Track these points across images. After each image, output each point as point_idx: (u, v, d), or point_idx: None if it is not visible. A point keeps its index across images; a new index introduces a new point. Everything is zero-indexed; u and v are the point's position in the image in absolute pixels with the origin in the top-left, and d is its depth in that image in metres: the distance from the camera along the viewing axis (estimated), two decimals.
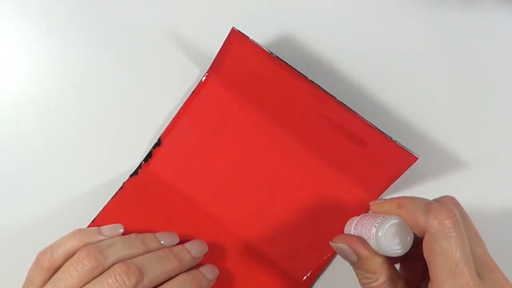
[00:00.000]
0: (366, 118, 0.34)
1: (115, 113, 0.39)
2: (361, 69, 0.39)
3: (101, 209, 0.37)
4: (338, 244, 0.31)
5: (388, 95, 0.39)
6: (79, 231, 0.34)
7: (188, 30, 0.39)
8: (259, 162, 0.38)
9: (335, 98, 0.35)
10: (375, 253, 0.30)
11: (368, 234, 0.30)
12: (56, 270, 0.33)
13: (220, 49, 0.36)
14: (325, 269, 0.38)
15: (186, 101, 0.38)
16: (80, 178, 0.39)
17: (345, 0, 0.40)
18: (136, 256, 0.33)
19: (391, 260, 0.30)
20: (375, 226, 0.30)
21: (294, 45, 0.39)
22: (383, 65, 0.40)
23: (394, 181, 0.36)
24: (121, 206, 0.37)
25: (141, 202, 0.37)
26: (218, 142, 0.38)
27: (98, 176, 0.38)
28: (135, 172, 0.38)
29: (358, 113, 0.34)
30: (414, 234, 0.29)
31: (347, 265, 0.32)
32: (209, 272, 0.35)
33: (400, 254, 0.29)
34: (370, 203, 0.33)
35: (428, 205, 0.28)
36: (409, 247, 0.29)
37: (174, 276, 0.34)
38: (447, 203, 0.29)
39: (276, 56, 0.34)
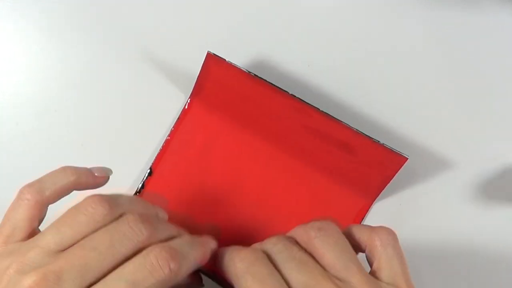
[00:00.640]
0: (359, 121, 0.34)
1: (115, 113, 0.39)
2: (360, 69, 0.39)
3: None
4: None
5: (388, 95, 0.39)
6: (69, 167, 0.30)
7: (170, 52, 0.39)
8: (251, 180, 0.38)
9: (318, 109, 0.35)
10: None
11: None
12: (44, 207, 0.29)
13: (199, 73, 0.36)
14: None
15: (173, 128, 0.38)
16: None
17: (345, 0, 0.40)
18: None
19: None
20: None
21: (294, 45, 0.39)
22: (383, 65, 0.40)
23: (387, 183, 0.36)
24: None
25: None
26: (208, 164, 0.38)
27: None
28: None
29: (356, 111, 0.35)
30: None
31: None
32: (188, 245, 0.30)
33: None
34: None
35: (230, 254, 0.28)
36: None
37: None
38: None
39: (254, 75, 0.35)
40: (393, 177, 0.36)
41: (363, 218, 0.37)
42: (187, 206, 0.38)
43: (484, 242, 0.39)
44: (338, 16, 0.40)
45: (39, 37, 0.39)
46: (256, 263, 0.27)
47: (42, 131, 0.39)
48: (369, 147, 0.35)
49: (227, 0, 0.40)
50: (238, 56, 0.37)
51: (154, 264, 0.26)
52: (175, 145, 0.38)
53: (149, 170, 0.38)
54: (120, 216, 0.27)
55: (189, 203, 0.38)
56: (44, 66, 0.39)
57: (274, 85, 0.35)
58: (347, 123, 0.35)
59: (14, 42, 0.39)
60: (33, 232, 0.28)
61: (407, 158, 0.35)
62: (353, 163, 0.36)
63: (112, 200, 0.27)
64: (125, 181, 0.38)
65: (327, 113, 0.35)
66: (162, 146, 0.38)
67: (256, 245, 0.30)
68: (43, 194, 0.29)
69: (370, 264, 0.30)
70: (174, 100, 0.39)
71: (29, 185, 0.29)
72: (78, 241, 0.26)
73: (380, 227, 0.29)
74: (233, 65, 0.35)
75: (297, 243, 0.29)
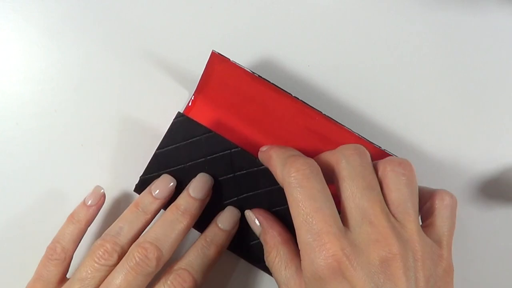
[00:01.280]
0: (359, 124, 0.34)
1: (115, 113, 0.39)
2: (360, 69, 0.39)
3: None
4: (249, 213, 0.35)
5: (388, 95, 0.39)
6: (70, 215, 0.35)
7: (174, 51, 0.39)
8: None
9: (321, 112, 0.35)
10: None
11: None
12: (69, 260, 0.34)
13: (204, 71, 0.36)
14: None
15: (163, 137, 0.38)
16: (80, 178, 0.39)
17: (344, 1, 0.40)
18: (145, 228, 0.34)
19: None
20: None
21: (293, 46, 0.39)
22: (383, 65, 0.40)
23: None
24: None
25: None
26: None
27: (98, 176, 0.38)
28: None
29: (357, 114, 0.35)
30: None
31: None
32: (224, 220, 0.35)
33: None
34: (260, 149, 0.35)
35: (286, 159, 0.30)
36: None
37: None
38: (330, 154, 0.30)
39: (258, 76, 0.35)
40: None
41: None
42: None
43: (484, 242, 0.39)
44: (338, 17, 0.40)
45: (39, 37, 0.39)
46: (311, 177, 0.28)
47: (42, 131, 0.39)
48: (371, 152, 0.35)
49: (228, 0, 0.40)
50: (240, 56, 0.37)
51: None
52: None
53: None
54: (128, 247, 0.33)
55: None
56: (44, 66, 0.39)
57: (278, 86, 0.35)
58: (349, 127, 0.34)
59: (14, 42, 0.39)
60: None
61: None
62: None
63: (114, 244, 0.33)
64: (125, 181, 0.38)
65: (330, 117, 0.35)
66: None
67: (328, 153, 0.31)
68: (67, 252, 0.34)
69: (423, 219, 0.31)
70: (177, 99, 0.39)
71: (52, 248, 0.34)
72: (98, 285, 0.32)
73: (446, 191, 0.31)
74: (237, 65, 0.35)
75: (370, 162, 0.30)
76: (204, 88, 0.37)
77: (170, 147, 0.36)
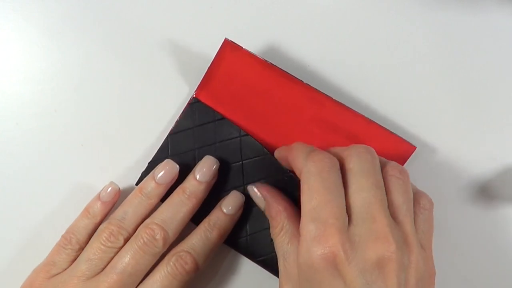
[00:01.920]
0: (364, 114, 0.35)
1: (115, 113, 0.39)
2: (360, 69, 0.39)
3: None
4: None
5: (388, 95, 0.39)
6: (85, 209, 0.36)
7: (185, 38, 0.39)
8: None
9: (332, 98, 0.35)
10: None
11: None
12: (81, 250, 0.35)
13: (212, 61, 0.36)
14: None
15: (176, 121, 0.38)
16: (80, 178, 0.39)
17: (344, 1, 0.40)
18: (150, 211, 0.35)
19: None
20: None
21: (292, 47, 0.39)
22: (382, 65, 0.40)
23: None
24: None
25: None
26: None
27: (98, 176, 0.38)
28: None
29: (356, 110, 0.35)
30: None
31: None
32: (228, 204, 0.36)
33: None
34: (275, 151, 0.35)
35: (310, 151, 0.30)
36: None
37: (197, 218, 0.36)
38: (345, 150, 0.31)
39: (271, 63, 0.35)
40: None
41: None
42: None
43: (484, 242, 0.39)
44: (338, 16, 0.40)
45: (39, 37, 0.39)
46: (331, 171, 0.29)
47: (42, 131, 0.39)
48: (380, 137, 0.35)
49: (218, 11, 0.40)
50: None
51: (175, 270, 0.33)
52: None
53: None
54: (134, 230, 0.35)
55: None
56: (44, 66, 0.39)
57: (290, 74, 0.35)
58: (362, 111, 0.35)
59: (14, 42, 0.39)
60: None
61: (415, 148, 0.36)
62: None
63: (121, 226, 0.34)
64: (125, 181, 0.38)
65: (341, 102, 0.35)
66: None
67: (339, 148, 0.31)
68: (81, 244, 0.35)
69: None
70: (177, 99, 0.39)
71: (67, 238, 0.36)
72: (106, 266, 0.34)
73: (424, 193, 0.32)
74: (250, 53, 0.35)
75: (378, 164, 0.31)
76: (208, 81, 0.37)
77: (182, 132, 0.37)
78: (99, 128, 0.39)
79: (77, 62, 0.39)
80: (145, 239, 0.33)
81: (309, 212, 0.28)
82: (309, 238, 0.28)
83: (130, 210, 0.35)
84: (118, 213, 0.35)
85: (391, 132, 0.36)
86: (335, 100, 0.36)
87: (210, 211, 0.36)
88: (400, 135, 0.37)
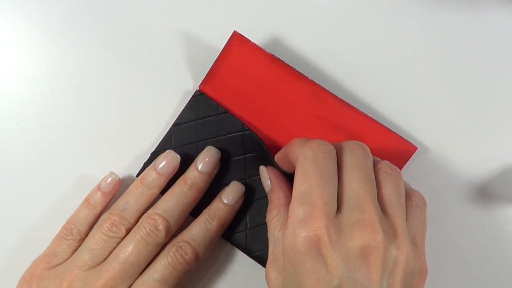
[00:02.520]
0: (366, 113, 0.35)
1: (115, 113, 0.39)
2: (360, 69, 0.39)
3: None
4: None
5: (387, 95, 0.39)
6: (86, 200, 0.36)
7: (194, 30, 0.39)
8: None
9: (336, 95, 0.35)
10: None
11: None
12: (81, 241, 0.35)
13: (220, 53, 0.36)
14: None
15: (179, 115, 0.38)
16: (80, 178, 0.39)
17: (344, 1, 0.40)
18: (151, 201, 0.35)
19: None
20: None
21: (292, 46, 0.39)
22: (382, 65, 0.40)
23: None
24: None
25: None
26: None
27: (98, 176, 0.38)
28: None
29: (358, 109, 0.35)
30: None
31: None
32: (228, 194, 0.36)
33: None
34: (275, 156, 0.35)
35: (308, 140, 0.31)
36: None
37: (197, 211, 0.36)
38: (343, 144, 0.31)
39: (278, 58, 0.35)
40: (402, 166, 0.36)
41: None
42: None
43: (484, 242, 0.39)
44: (338, 16, 0.40)
45: (39, 37, 0.39)
46: (327, 158, 0.29)
47: (42, 131, 0.39)
48: (382, 136, 0.35)
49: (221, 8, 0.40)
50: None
51: (175, 260, 0.34)
52: None
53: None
54: (136, 220, 0.35)
55: None
56: (44, 66, 0.39)
57: (296, 70, 0.35)
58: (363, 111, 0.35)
59: (14, 42, 0.39)
60: None
61: (417, 148, 0.36)
62: None
63: (123, 216, 0.35)
64: (125, 181, 0.38)
65: (344, 100, 0.36)
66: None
67: (334, 143, 0.31)
68: (82, 235, 0.36)
69: None
70: (177, 98, 0.39)
71: (68, 229, 0.36)
72: (108, 256, 0.34)
73: (417, 191, 0.32)
74: (258, 47, 0.35)
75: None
76: (212, 77, 0.37)
77: (185, 124, 0.37)
78: (99, 128, 0.39)
79: (77, 62, 0.39)
80: (147, 229, 0.33)
81: (299, 195, 0.28)
82: (296, 220, 0.28)
83: (131, 200, 0.35)
84: (120, 203, 0.35)
85: (393, 132, 0.36)
86: (339, 98, 0.36)
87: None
88: (400, 135, 0.37)
